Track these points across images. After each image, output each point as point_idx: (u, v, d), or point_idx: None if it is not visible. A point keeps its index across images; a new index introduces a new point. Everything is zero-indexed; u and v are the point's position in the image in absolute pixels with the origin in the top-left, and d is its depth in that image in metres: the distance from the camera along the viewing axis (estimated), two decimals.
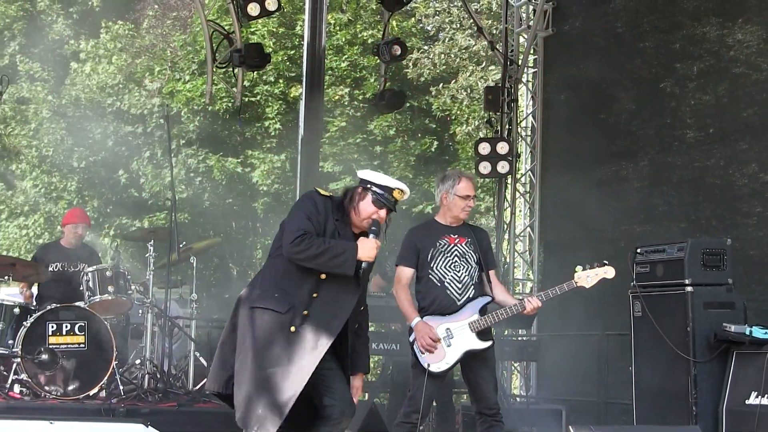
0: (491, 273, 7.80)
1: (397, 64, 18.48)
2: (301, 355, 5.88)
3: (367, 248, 5.99)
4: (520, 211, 14.69)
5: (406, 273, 7.73)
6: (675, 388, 8.66)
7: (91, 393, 9.71)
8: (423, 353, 7.51)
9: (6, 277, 10.41)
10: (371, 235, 6.08)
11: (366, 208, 6.17)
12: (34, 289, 11.43)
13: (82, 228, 11.42)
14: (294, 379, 5.83)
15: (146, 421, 5.79)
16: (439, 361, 7.49)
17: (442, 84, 22.28)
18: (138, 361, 10.45)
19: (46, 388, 9.59)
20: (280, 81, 22.68)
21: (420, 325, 7.53)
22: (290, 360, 5.87)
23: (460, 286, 7.61)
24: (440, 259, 7.64)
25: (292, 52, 22.40)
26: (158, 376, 10.22)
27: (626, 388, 9.35)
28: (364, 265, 5.98)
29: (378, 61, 14.44)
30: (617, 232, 12.40)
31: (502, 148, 13.69)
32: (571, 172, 13.42)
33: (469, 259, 7.67)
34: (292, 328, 5.91)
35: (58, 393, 9.60)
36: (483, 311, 7.58)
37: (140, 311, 10.71)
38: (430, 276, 7.64)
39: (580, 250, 12.46)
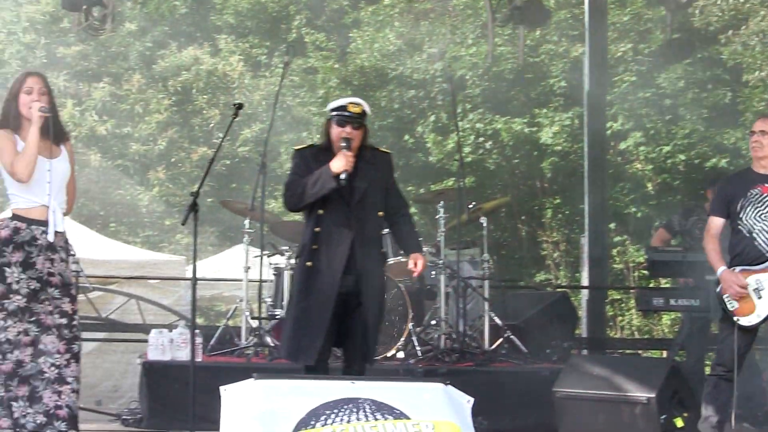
0: None
1: (683, 13, 17.88)
2: (319, 284, 6.85)
3: (337, 162, 6.84)
4: None
5: (716, 223, 7.55)
6: None
7: (389, 354, 9.85)
8: (732, 306, 7.28)
9: None
10: (343, 151, 6.88)
11: (334, 133, 7.00)
12: None
13: None
14: (321, 308, 6.82)
15: (445, 380, 5.77)
16: (749, 314, 7.26)
17: (731, 31, 21.41)
18: (433, 322, 10.53)
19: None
20: (564, 40, 22.40)
21: (725, 274, 7.36)
22: (310, 293, 6.89)
23: None
24: (750, 209, 7.37)
25: (576, 10, 22.07)
26: (454, 336, 10.28)
27: None
28: (343, 176, 6.80)
29: (663, 11, 13.99)
30: None
31: None
32: None
33: None
34: (308, 264, 6.90)
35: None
36: None
37: (433, 273, 10.77)
38: (740, 227, 7.42)
39: None
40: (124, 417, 9.49)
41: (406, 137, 23.66)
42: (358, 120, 6.98)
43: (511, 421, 9.23)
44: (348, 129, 6.94)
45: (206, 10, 29.73)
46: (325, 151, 7.04)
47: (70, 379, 6.53)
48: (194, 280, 6.73)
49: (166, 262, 18.20)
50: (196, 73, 27.54)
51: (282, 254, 10.37)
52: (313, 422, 5.32)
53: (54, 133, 6.72)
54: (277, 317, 10.30)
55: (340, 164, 6.81)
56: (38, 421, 6.47)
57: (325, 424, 5.33)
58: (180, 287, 16.76)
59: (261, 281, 10.55)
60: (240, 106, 7.12)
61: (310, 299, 6.89)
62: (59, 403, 6.48)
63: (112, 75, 27.81)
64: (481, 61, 22.07)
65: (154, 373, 9.19)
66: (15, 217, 6.62)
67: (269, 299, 10.49)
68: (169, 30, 29.17)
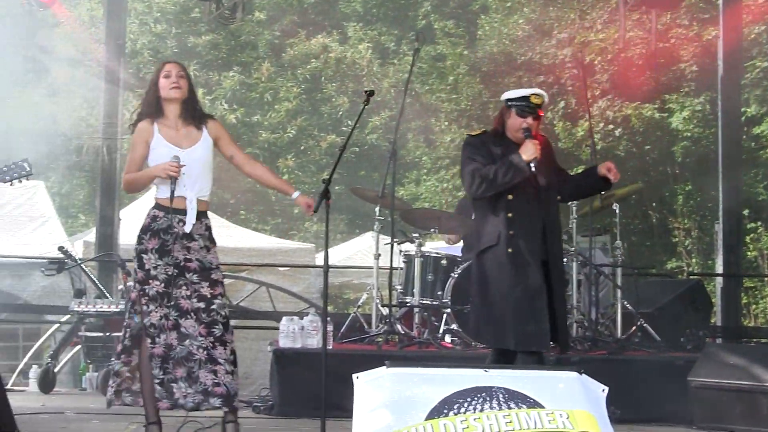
0: None
1: None
2: (524, 269, 6.77)
3: (527, 150, 6.78)
4: None
5: None
6: None
7: None
8: None
9: (432, 230, 10.63)
10: (527, 140, 6.82)
11: (513, 123, 6.95)
12: (460, 243, 11.63)
13: None
14: (537, 294, 6.76)
15: (579, 369, 5.67)
16: None
17: None
18: None
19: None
20: (695, 23, 21.98)
21: None
22: (519, 279, 6.77)
23: None
24: None
25: None
26: (586, 324, 10.16)
27: None
28: (533, 163, 6.73)
29: None
30: None
31: None
32: None
33: None
34: (510, 250, 6.79)
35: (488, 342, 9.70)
36: None
37: (564, 260, 10.64)
38: None
39: None
40: (255, 404, 9.56)
41: None
42: (537, 111, 6.96)
43: (645, 411, 9.09)
44: (529, 120, 6.91)
45: (334, 1, 29.87)
46: (501, 138, 7.03)
47: (221, 360, 6.63)
48: (326, 267, 6.73)
49: (295, 249, 18.36)
50: (325, 61, 27.71)
51: (412, 241, 10.33)
52: (446, 411, 5.27)
53: (194, 116, 6.85)
54: (407, 304, 10.29)
55: (531, 151, 6.77)
56: (196, 400, 6.61)
57: (458, 412, 5.28)
58: (309, 275, 16.88)
59: (391, 268, 10.54)
60: (371, 93, 7.09)
61: (522, 286, 6.81)
62: (216, 380, 6.60)
63: (241, 64, 28.14)
64: (609, 46, 21.79)
65: (285, 361, 9.24)
66: (156, 205, 6.77)
67: (399, 286, 10.48)
68: (297, 19, 29.39)
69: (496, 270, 6.90)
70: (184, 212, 6.69)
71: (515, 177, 6.78)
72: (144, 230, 6.72)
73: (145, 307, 6.66)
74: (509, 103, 7.00)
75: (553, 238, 6.98)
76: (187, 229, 6.67)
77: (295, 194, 7.00)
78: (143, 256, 6.68)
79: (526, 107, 6.92)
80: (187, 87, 6.86)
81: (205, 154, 6.84)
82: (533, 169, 6.77)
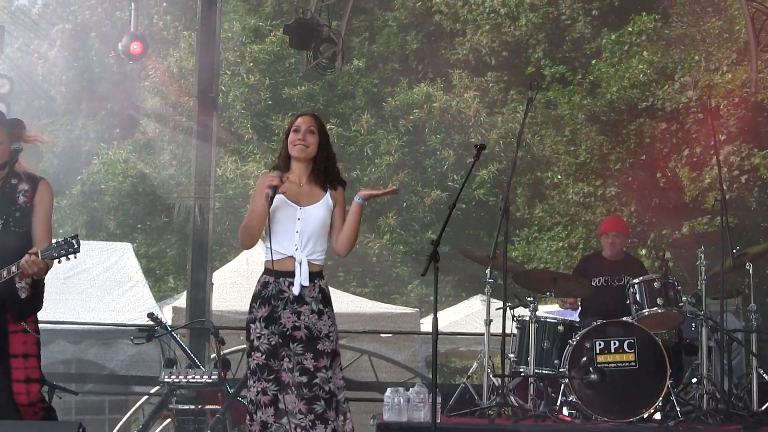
0: None
1: None
2: None
3: None
4: None
5: None
6: None
7: (645, 415, 9.63)
8: None
9: (547, 293, 10.55)
10: None
11: None
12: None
13: (620, 238, 11.35)
14: None
15: None
16: None
17: None
18: (694, 380, 10.24)
19: (597, 410, 9.60)
20: None
21: None
22: None
23: None
24: None
25: None
26: (718, 396, 9.97)
27: None
28: None
29: None
30: None
31: None
32: None
33: None
34: None
35: (609, 415, 9.59)
36: None
37: (693, 325, 10.49)
38: None
39: None
40: None
41: (658, 175, 23.29)
42: None
43: None
44: None
45: (438, 46, 29.94)
46: None
47: None
48: (435, 334, 6.73)
49: (399, 314, 18.36)
50: (428, 110, 27.75)
51: (526, 305, 10.26)
52: None
53: (322, 178, 6.91)
54: (521, 374, 10.21)
55: None
56: None
57: None
58: (414, 342, 16.85)
59: (504, 335, 10.46)
60: (482, 148, 7.10)
61: None
62: None
63: (339, 116, 28.32)
64: (737, 89, 21.55)
65: None
66: (265, 270, 6.82)
67: (512, 354, 10.40)
68: (398, 67, 29.55)
69: None
70: (292, 274, 6.73)
71: None
72: (254, 298, 6.80)
73: (248, 381, 6.74)
74: None
75: None
76: (296, 291, 6.70)
77: (357, 198, 7.02)
78: (251, 325, 6.78)
79: None
80: (316, 144, 6.91)
81: (322, 216, 6.89)
82: None
